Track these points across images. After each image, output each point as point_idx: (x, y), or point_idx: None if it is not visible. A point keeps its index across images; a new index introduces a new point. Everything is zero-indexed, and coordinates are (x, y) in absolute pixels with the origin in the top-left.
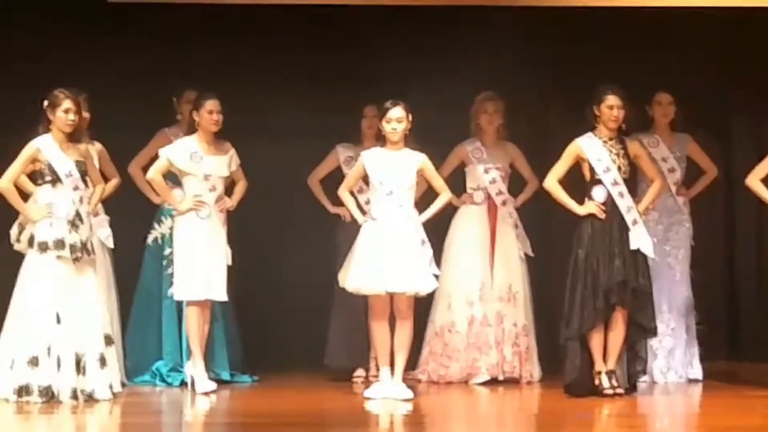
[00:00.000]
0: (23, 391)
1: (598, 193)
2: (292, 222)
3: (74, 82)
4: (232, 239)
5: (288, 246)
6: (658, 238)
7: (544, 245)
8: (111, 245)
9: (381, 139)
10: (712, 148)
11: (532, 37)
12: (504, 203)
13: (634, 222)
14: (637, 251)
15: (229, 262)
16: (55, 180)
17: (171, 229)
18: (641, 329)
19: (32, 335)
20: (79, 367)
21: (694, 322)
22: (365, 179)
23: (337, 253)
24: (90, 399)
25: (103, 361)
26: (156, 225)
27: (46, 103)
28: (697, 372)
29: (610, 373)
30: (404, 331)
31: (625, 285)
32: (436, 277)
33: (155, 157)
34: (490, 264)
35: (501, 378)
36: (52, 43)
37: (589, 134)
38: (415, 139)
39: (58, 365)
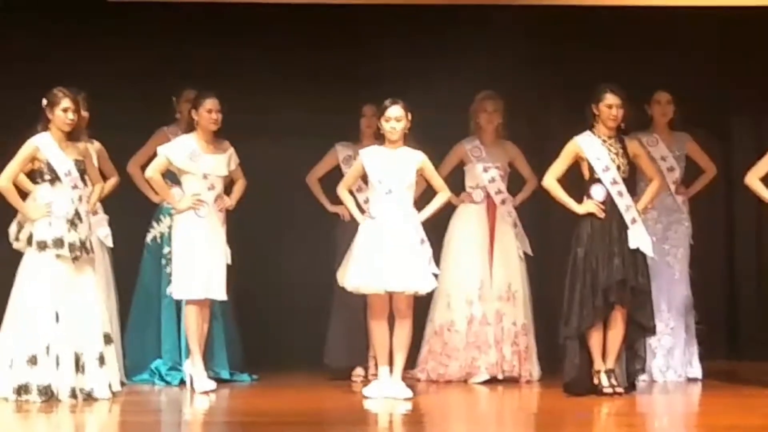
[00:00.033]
0: (22, 390)
1: (597, 192)
2: (291, 221)
3: (74, 81)
4: (232, 238)
5: (288, 245)
6: (657, 237)
7: (543, 244)
8: (110, 244)
9: (380, 138)
10: (711, 148)
11: (532, 36)
12: (503, 202)
13: (633, 221)
14: (637, 250)
15: (229, 261)
16: (54, 179)
17: (170, 227)
18: (640, 328)
19: (31, 334)
20: (78, 366)
21: (693, 321)
22: (364, 178)
23: (336, 252)
24: (89, 398)
25: (102, 360)
26: (155, 224)
27: (45, 101)
28: (696, 371)
29: (609, 372)
30: (403, 330)
31: (624, 284)
32: (436, 276)
33: (154, 156)
34: (489, 263)
35: (500, 377)
36: (52, 43)
37: (588, 133)
38: (414, 138)
39: (57, 364)
